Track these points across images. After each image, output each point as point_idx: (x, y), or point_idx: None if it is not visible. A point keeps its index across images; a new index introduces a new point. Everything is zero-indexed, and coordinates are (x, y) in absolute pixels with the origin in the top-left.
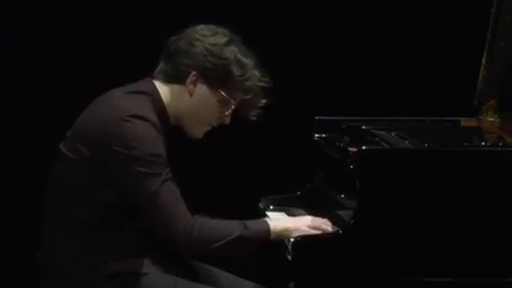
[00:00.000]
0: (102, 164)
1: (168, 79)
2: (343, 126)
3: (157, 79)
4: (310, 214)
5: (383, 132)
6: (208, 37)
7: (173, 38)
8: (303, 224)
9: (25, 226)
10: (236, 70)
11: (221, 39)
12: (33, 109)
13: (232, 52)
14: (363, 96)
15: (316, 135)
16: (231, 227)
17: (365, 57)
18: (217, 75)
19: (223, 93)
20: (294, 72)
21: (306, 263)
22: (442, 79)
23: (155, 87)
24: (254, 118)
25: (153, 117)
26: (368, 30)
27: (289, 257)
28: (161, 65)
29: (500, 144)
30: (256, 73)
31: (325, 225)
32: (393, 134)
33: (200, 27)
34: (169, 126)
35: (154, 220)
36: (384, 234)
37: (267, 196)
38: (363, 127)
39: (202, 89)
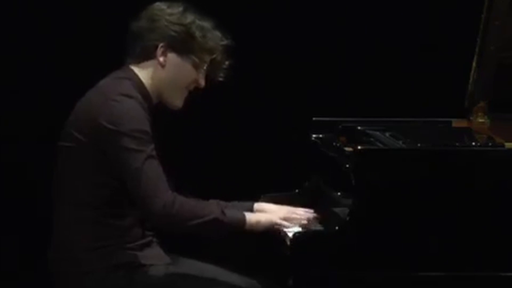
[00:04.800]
0: (96, 145)
1: (141, 59)
2: (340, 126)
3: (131, 63)
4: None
5: (377, 133)
6: (165, 10)
7: (133, 22)
8: (275, 216)
9: (36, 224)
10: (197, 33)
11: (178, 9)
12: (42, 105)
13: (190, 17)
14: (359, 97)
15: (314, 135)
16: (210, 209)
17: (361, 60)
18: (182, 41)
19: (192, 56)
20: (293, 74)
21: (304, 259)
22: (435, 82)
23: (132, 71)
24: (222, 79)
25: (138, 96)
26: (364, 33)
27: (288, 253)
28: (131, 50)
29: (490, 144)
30: (217, 33)
31: (297, 215)
32: (387, 134)
33: (156, 4)
34: (153, 105)
35: (136, 195)
36: (379, 231)
37: (266, 194)
38: (359, 127)
39: (172, 57)
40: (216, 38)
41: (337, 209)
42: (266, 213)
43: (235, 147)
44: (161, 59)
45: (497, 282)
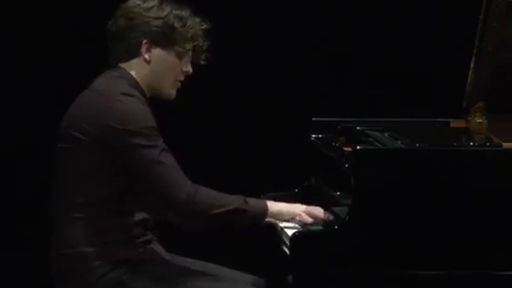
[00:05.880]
0: (102, 145)
1: (126, 58)
2: (339, 127)
3: (118, 62)
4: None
5: (376, 133)
6: (141, 6)
7: (110, 22)
8: (297, 208)
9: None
10: (177, 23)
11: (153, 2)
12: (43, 108)
13: (167, 9)
14: (359, 98)
15: (313, 135)
16: (232, 198)
17: (360, 61)
18: (164, 34)
19: (176, 47)
20: (292, 74)
21: (304, 257)
22: (433, 83)
23: (124, 70)
24: (204, 63)
25: (137, 94)
26: (363, 34)
27: (287, 251)
28: (113, 50)
29: (488, 144)
30: (196, 19)
31: (318, 212)
32: (386, 134)
33: (130, 1)
34: (148, 100)
35: (157, 190)
36: (378, 230)
37: (266, 193)
38: (358, 127)
39: (157, 52)
40: (196, 25)
41: (336, 209)
42: (285, 204)
43: (235, 147)
44: (146, 56)
45: (495, 281)
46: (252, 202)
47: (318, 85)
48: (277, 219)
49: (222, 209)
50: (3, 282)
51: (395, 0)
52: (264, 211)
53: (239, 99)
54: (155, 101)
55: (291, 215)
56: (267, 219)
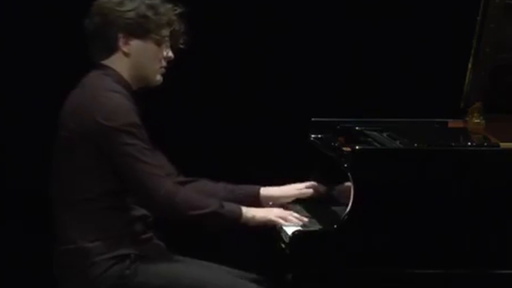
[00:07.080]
0: (88, 141)
1: (107, 54)
2: (338, 127)
3: (100, 60)
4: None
5: (375, 133)
6: (113, 1)
7: (86, 21)
8: (270, 212)
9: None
10: (150, 12)
11: None
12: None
13: (138, 0)
14: (358, 98)
15: (313, 135)
16: (209, 201)
17: (359, 62)
18: (138, 25)
19: (152, 35)
20: (292, 75)
21: (303, 256)
22: (431, 83)
23: (108, 66)
24: (183, 46)
25: (121, 89)
26: (362, 36)
27: (287, 251)
28: (93, 48)
29: (485, 144)
30: (168, 5)
31: (291, 216)
32: (384, 134)
33: None
34: (133, 93)
35: (138, 188)
36: (376, 229)
37: None
38: (357, 128)
39: (135, 44)
40: (168, 11)
41: (335, 208)
42: (260, 210)
43: (235, 146)
44: (125, 49)
45: (493, 280)
46: (228, 206)
47: (318, 85)
48: (252, 223)
49: (199, 211)
50: (5, 281)
51: (394, 0)
52: (238, 216)
53: (239, 99)
54: (153, 99)
55: (264, 219)
56: (243, 222)
